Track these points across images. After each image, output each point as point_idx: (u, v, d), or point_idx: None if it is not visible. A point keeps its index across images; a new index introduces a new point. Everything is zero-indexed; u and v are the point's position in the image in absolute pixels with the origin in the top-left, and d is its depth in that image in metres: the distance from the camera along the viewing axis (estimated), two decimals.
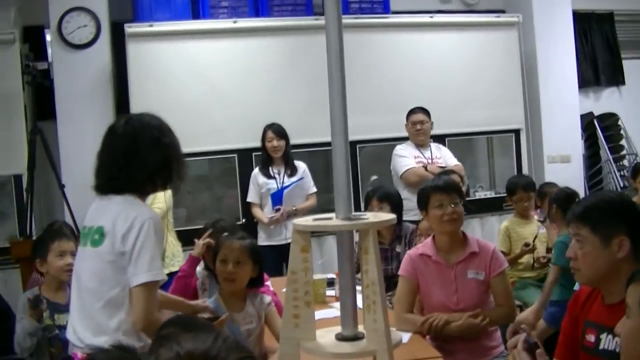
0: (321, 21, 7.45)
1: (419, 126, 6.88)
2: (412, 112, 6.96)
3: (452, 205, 4.05)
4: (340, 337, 2.62)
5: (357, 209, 5.83)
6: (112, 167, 3.16)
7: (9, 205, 7.20)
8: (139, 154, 3.12)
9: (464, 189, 7.67)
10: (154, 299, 2.99)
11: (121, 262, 3.01)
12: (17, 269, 6.31)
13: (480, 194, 8.18)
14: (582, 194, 8.48)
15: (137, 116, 3.30)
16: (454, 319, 3.90)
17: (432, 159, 6.82)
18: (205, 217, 7.32)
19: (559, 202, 5.22)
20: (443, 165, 6.73)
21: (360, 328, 2.61)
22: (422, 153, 6.85)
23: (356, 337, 2.60)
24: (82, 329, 3.06)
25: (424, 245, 4.17)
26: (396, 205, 5.47)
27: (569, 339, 2.88)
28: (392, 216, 2.66)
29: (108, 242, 3.04)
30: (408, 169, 6.67)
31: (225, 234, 3.96)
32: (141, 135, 3.16)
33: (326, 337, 2.67)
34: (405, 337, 3.79)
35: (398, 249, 5.25)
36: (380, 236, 5.47)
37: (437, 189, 4.14)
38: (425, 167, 6.64)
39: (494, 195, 8.14)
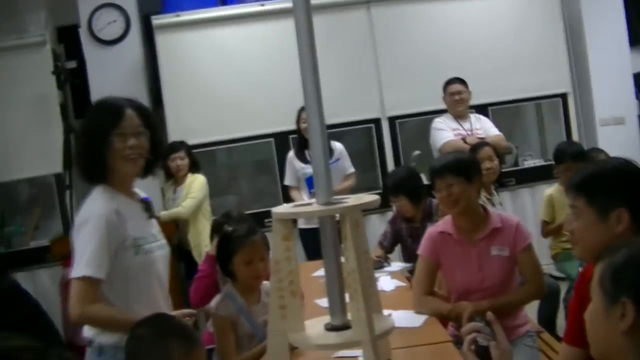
0: None
1: (456, 97, 6.70)
2: (449, 82, 6.79)
3: (448, 188, 3.86)
4: (330, 327, 2.53)
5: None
6: (76, 155, 3.17)
7: (54, 204, 7.28)
8: (89, 141, 2.98)
9: (509, 158, 7.53)
10: (86, 294, 2.84)
11: None
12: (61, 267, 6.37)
13: (530, 163, 7.95)
14: (638, 157, 8.27)
15: (98, 101, 3.14)
16: (481, 307, 3.61)
17: (471, 130, 6.63)
18: (247, 203, 7.32)
19: None
20: (483, 136, 6.54)
21: None
22: (461, 125, 6.67)
23: (345, 327, 2.50)
24: None
25: (445, 223, 3.98)
26: (412, 191, 5.34)
27: (577, 321, 2.53)
28: (374, 197, 2.54)
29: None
30: (446, 142, 6.50)
31: (236, 230, 3.72)
32: (90, 121, 3.06)
33: (316, 327, 2.58)
34: (419, 320, 3.68)
35: (430, 226, 5.08)
36: (412, 215, 5.38)
37: (432, 173, 3.99)
38: (464, 139, 6.46)
39: (544, 163, 7.87)
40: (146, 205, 3.14)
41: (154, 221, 3.18)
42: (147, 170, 3.10)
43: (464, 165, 3.98)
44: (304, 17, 2.44)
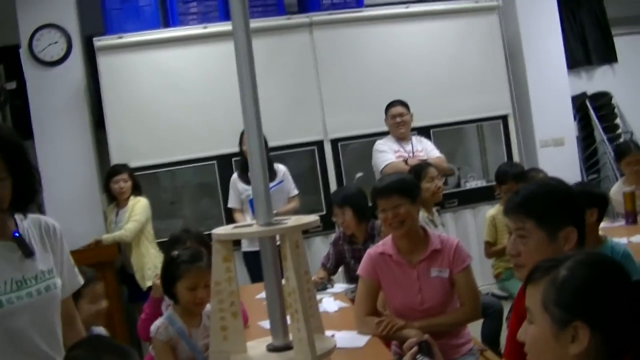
0: (293, 20, 7.48)
1: (398, 119, 6.77)
2: (390, 105, 6.87)
3: (394, 209, 3.87)
4: (271, 348, 2.52)
5: None
6: None
7: None
8: None
9: (452, 179, 7.63)
10: None
11: None
12: None
13: (472, 184, 8.03)
14: (578, 177, 8.42)
15: None
16: (411, 326, 3.72)
17: (413, 153, 6.70)
18: (190, 225, 7.25)
19: None
20: (425, 158, 6.60)
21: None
22: (402, 147, 6.74)
23: (287, 347, 2.49)
24: None
25: (385, 244, 4.00)
26: (359, 207, 5.36)
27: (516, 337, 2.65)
28: (314, 218, 2.55)
29: None
30: (388, 164, 6.55)
31: (181, 255, 3.69)
32: None
33: (258, 348, 2.57)
34: (362, 340, 3.68)
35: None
36: (354, 237, 5.41)
37: (377, 193, 4.01)
38: (406, 161, 6.51)
39: (485, 184, 7.99)
40: (18, 242, 2.59)
41: (36, 260, 2.62)
42: (16, 209, 2.60)
43: (409, 186, 4.02)
44: (244, 39, 2.44)
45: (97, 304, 3.74)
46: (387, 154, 6.67)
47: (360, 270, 4.00)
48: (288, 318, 2.46)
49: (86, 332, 3.65)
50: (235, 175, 6.75)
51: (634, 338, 1.79)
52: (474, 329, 4.67)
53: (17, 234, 2.59)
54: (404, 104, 6.84)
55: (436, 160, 6.56)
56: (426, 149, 6.82)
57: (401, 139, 6.80)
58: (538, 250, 2.48)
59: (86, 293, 3.64)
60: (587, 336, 1.76)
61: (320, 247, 7.12)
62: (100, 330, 3.81)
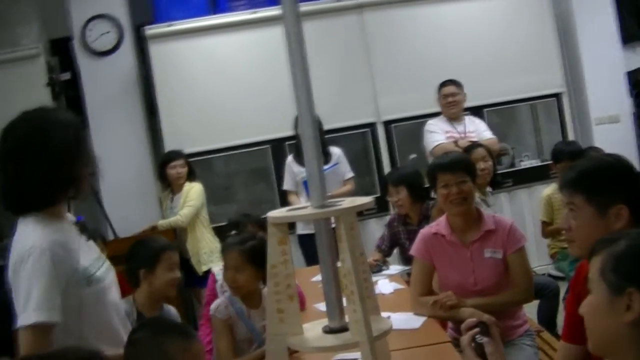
0: (343, 2, 7.42)
1: (450, 99, 6.70)
2: (443, 85, 6.80)
3: (459, 184, 3.84)
4: (327, 330, 2.53)
5: None
6: (3, 180, 2.57)
7: None
8: (26, 161, 2.51)
9: (506, 159, 7.55)
10: (40, 346, 2.33)
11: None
12: None
13: (526, 163, 7.95)
14: (634, 154, 8.28)
15: (28, 114, 2.63)
16: (465, 303, 3.71)
17: (465, 133, 6.63)
18: (244, 210, 7.31)
19: None
20: (476, 139, 6.52)
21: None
22: (454, 127, 6.68)
23: (343, 329, 2.50)
24: None
25: (438, 224, 3.98)
26: (414, 186, 5.35)
27: (575, 318, 2.46)
28: (368, 199, 2.55)
29: (6, 279, 2.52)
30: (437, 145, 6.50)
31: (228, 239, 3.84)
32: (27, 137, 2.55)
33: (314, 330, 2.58)
34: (418, 322, 3.68)
35: None
36: (409, 218, 5.40)
37: (442, 167, 3.95)
38: (456, 142, 6.45)
39: (540, 164, 7.89)
40: (81, 226, 2.70)
41: (92, 243, 2.73)
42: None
43: (471, 164, 4.08)
44: (294, 23, 2.44)
45: (173, 271, 3.76)
46: (437, 135, 6.62)
47: (414, 250, 4.00)
48: (344, 300, 2.46)
49: (159, 306, 3.75)
50: (290, 157, 6.76)
51: None
52: (530, 310, 4.65)
53: (81, 218, 2.75)
54: (457, 84, 6.76)
55: (488, 141, 6.47)
56: (478, 130, 6.74)
57: (453, 119, 6.74)
58: (588, 225, 2.45)
59: (164, 259, 3.73)
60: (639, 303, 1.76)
61: (375, 230, 7.12)
62: (170, 309, 3.87)
